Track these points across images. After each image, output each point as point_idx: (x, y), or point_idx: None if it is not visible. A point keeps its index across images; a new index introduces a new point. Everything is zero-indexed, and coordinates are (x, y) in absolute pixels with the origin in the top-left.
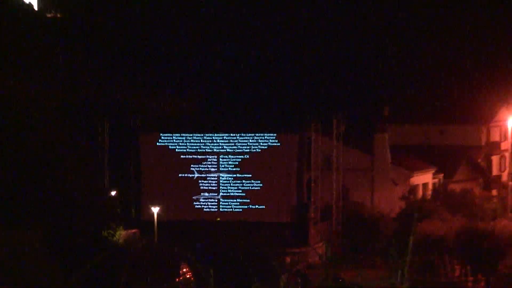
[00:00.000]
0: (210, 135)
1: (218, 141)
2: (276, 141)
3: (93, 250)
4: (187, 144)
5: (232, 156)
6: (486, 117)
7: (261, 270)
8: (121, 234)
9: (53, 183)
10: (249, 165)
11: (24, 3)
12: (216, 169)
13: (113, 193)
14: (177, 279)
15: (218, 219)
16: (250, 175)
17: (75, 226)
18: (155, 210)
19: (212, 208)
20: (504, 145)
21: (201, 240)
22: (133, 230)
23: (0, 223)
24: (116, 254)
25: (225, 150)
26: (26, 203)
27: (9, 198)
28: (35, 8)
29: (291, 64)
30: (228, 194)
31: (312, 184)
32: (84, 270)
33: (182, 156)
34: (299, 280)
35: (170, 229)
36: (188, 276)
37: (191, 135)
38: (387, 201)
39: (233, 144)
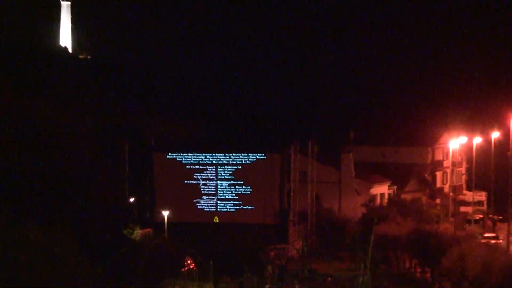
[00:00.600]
0: (210, 154)
1: (216, 155)
2: (263, 155)
3: (115, 245)
4: (191, 157)
5: (228, 167)
6: (431, 140)
7: (251, 262)
8: (138, 232)
9: (84, 192)
10: (241, 174)
11: (60, 46)
12: (214, 177)
13: (131, 199)
14: (182, 269)
15: (216, 217)
16: (242, 182)
17: (102, 225)
18: (165, 213)
19: (211, 208)
20: (446, 163)
21: (202, 238)
22: (148, 230)
23: (44, 224)
24: (134, 248)
25: (221, 162)
26: (63, 208)
27: (50, 205)
28: (70, 51)
29: (277, 99)
30: (224, 197)
31: (291, 193)
32: (108, 261)
33: (187, 167)
34: (281, 271)
35: (178, 229)
36: (192, 267)
37: (194, 154)
38: (352, 207)
39: (228, 157)
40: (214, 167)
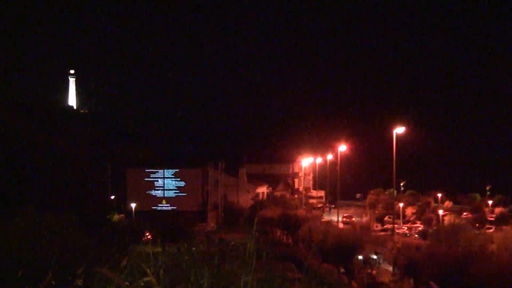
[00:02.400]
0: (159, 169)
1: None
2: (191, 169)
3: (102, 224)
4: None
5: (171, 170)
6: (292, 159)
7: (184, 234)
8: (116, 217)
9: (84, 192)
10: (179, 174)
11: (68, 105)
12: (162, 176)
13: (112, 197)
14: (143, 239)
15: (164, 200)
16: (179, 179)
17: (94, 212)
18: (133, 205)
19: (161, 195)
20: (300, 173)
21: (155, 219)
22: (122, 215)
23: (56, 211)
24: (113, 226)
25: (167, 167)
26: (70, 202)
27: (62, 200)
28: (74, 107)
29: (200, 135)
30: (168, 188)
31: (208, 192)
32: (98, 234)
33: (146, 170)
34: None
35: (141, 214)
36: (149, 237)
37: (149, 168)
38: (245, 200)
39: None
40: (163, 170)
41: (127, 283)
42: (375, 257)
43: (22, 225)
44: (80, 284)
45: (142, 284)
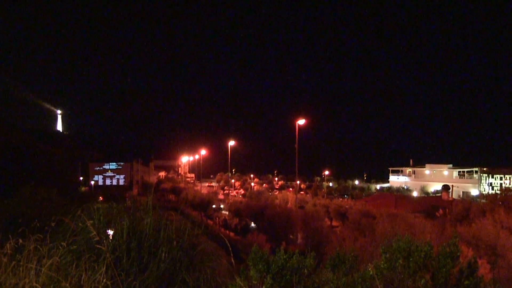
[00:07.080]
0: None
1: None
2: (126, 162)
3: (74, 192)
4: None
5: (115, 163)
6: (177, 157)
7: (119, 197)
8: (82, 189)
9: (64, 176)
10: (120, 165)
11: (57, 130)
12: (109, 164)
13: (81, 178)
14: (98, 200)
15: (110, 170)
16: (121, 166)
17: (70, 186)
18: (92, 181)
19: (108, 173)
20: (182, 165)
21: (105, 189)
22: (86, 188)
23: (46, 186)
24: (79, 194)
25: (112, 162)
26: (57, 182)
27: (52, 181)
28: (61, 131)
29: (129, 144)
30: (112, 167)
31: (134, 175)
32: (70, 198)
33: (98, 168)
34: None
35: (97, 187)
36: (101, 199)
37: (100, 165)
38: (153, 179)
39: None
40: (109, 164)
41: (80, 224)
42: (222, 206)
43: (26, 194)
44: (53, 225)
45: (89, 224)
